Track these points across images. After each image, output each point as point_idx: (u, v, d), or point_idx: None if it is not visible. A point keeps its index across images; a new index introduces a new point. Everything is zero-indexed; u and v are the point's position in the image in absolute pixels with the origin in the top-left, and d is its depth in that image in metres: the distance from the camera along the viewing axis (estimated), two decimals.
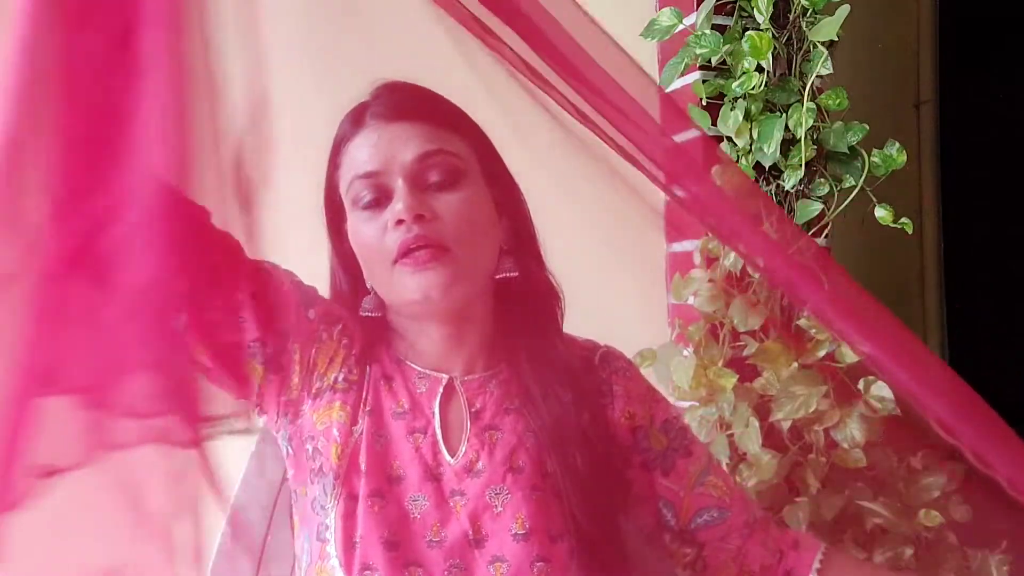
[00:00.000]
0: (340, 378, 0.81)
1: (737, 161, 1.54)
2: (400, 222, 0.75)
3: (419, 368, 0.84)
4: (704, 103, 1.58)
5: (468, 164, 0.81)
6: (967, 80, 3.22)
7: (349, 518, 0.77)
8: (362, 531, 0.75)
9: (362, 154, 0.78)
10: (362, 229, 0.79)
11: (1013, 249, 3.60)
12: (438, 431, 0.81)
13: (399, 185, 0.76)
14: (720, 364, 1.48)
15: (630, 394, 0.89)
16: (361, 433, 0.80)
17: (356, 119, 0.81)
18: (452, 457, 0.80)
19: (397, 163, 0.77)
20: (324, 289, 0.88)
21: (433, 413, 0.81)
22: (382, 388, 0.83)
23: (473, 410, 0.82)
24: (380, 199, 0.78)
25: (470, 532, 0.77)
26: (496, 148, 0.89)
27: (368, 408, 0.81)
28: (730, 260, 1.49)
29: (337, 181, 0.83)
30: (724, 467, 1.50)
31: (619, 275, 1.76)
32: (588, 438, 0.82)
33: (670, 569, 0.84)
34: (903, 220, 1.47)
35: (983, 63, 3.44)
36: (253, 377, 0.79)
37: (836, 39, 1.42)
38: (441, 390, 0.82)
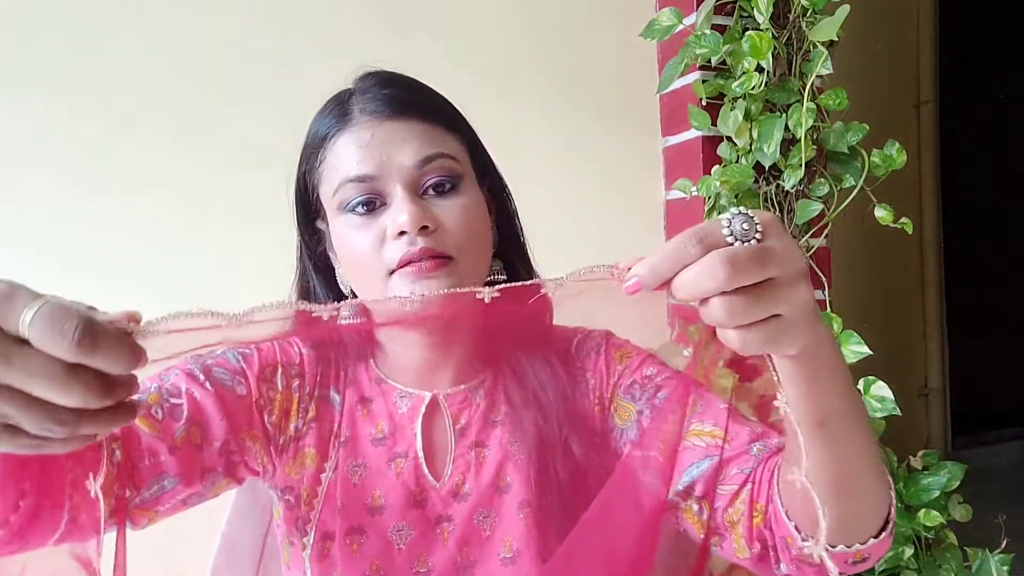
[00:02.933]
0: (300, 424, 0.76)
1: (737, 161, 1.55)
2: (402, 233, 0.70)
3: (400, 386, 0.79)
4: (704, 103, 1.58)
5: (464, 166, 0.76)
6: (967, 80, 3.23)
7: (323, 559, 0.73)
8: (340, 571, 0.72)
9: (353, 154, 0.71)
10: (354, 236, 0.72)
11: (1013, 249, 3.61)
12: (420, 454, 0.76)
13: (398, 193, 0.70)
14: (720, 364, 1.47)
15: (597, 373, 0.82)
16: (335, 468, 0.75)
17: (342, 112, 0.74)
18: (437, 481, 0.76)
19: (394, 167, 0.71)
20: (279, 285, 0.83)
21: (415, 435, 0.77)
22: (358, 414, 0.78)
23: (458, 427, 0.78)
24: (375, 204, 0.72)
25: (458, 559, 0.74)
26: (484, 144, 0.83)
27: (343, 439, 0.76)
28: None
29: (316, 179, 0.76)
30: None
31: None
32: (567, 445, 0.77)
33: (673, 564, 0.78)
34: (903, 220, 1.47)
35: (983, 63, 3.44)
36: (235, 483, 0.76)
37: (836, 39, 1.42)
38: (424, 409, 0.77)
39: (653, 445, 0.72)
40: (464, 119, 0.80)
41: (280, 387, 0.76)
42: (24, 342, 0.38)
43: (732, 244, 0.45)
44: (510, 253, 0.82)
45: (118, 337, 0.40)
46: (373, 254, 0.71)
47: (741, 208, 0.47)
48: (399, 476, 0.75)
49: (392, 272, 0.70)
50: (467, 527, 0.74)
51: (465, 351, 0.80)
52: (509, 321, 0.81)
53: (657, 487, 0.71)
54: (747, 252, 0.45)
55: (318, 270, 0.81)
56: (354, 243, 0.72)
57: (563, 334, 0.86)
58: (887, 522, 0.63)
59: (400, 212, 0.69)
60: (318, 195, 0.76)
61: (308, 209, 0.79)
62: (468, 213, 0.73)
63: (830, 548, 0.59)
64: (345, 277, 0.78)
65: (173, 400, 0.70)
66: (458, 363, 0.80)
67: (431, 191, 0.72)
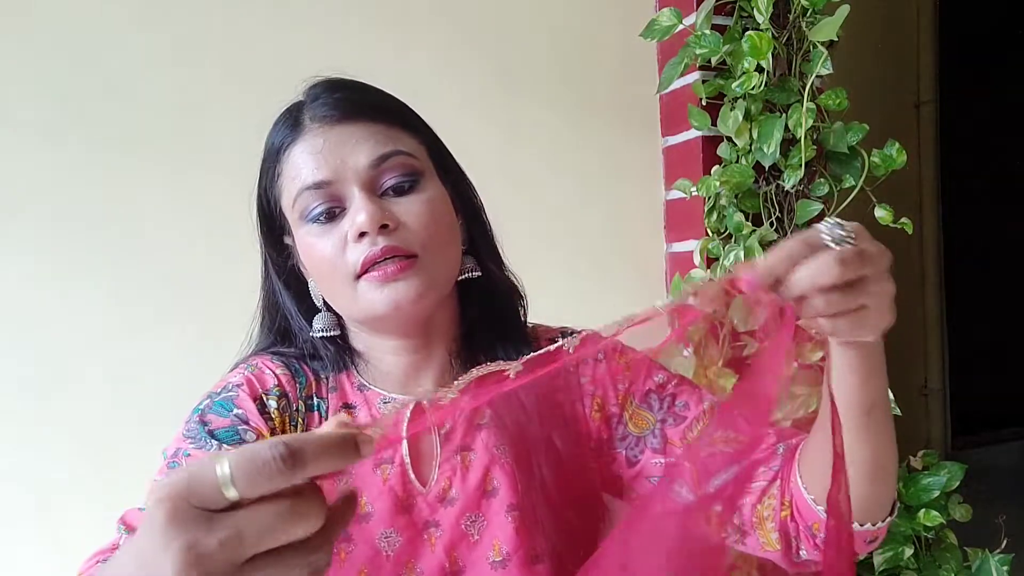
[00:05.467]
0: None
1: (737, 161, 1.55)
2: (363, 235, 0.69)
3: (384, 392, 0.78)
4: (704, 103, 1.58)
5: (423, 163, 0.74)
6: (967, 80, 3.22)
7: None
8: None
9: (308, 162, 0.71)
10: (316, 244, 0.71)
11: (1013, 249, 3.62)
12: (407, 460, 0.75)
13: (355, 194, 0.70)
14: (720, 364, 1.48)
15: (597, 380, 0.81)
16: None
17: (294, 123, 0.73)
18: (423, 487, 0.74)
19: (350, 170, 0.70)
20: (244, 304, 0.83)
21: (400, 441, 0.76)
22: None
23: (443, 432, 0.77)
24: (334, 210, 0.71)
25: (447, 565, 0.72)
26: (445, 143, 0.81)
27: None
28: (730, 260, 1.49)
29: (277, 193, 0.75)
30: None
31: (619, 275, 1.76)
32: (553, 445, 0.77)
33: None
34: (903, 220, 1.47)
35: (983, 63, 3.44)
36: None
37: (836, 39, 1.42)
38: (408, 414, 0.74)
39: (676, 452, 0.77)
40: (420, 117, 0.79)
41: (273, 413, 0.74)
42: (233, 507, 0.37)
43: (832, 247, 0.53)
44: (481, 250, 0.81)
45: (319, 437, 0.38)
46: (337, 260, 0.70)
47: (833, 219, 0.55)
48: (386, 482, 0.74)
49: (359, 277, 0.70)
50: (455, 532, 0.73)
51: (445, 353, 0.80)
52: (486, 320, 0.80)
53: (684, 495, 0.71)
54: (852, 253, 0.52)
55: (288, 286, 0.80)
56: (318, 251, 0.71)
57: (546, 334, 0.86)
58: (895, 504, 0.70)
59: (358, 213, 0.69)
60: (280, 209, 0.76)
61: (273, 225, 0.78)
62: (430, 209, 0.72)
63: (858, 527, 0.67)
64: (317, 290, 0.78)
65: None
66: (439, 367, 0.80)
67: (390, 191, 0.72)
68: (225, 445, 0.69)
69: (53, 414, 1.33)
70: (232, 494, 0.36)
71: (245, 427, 0.71)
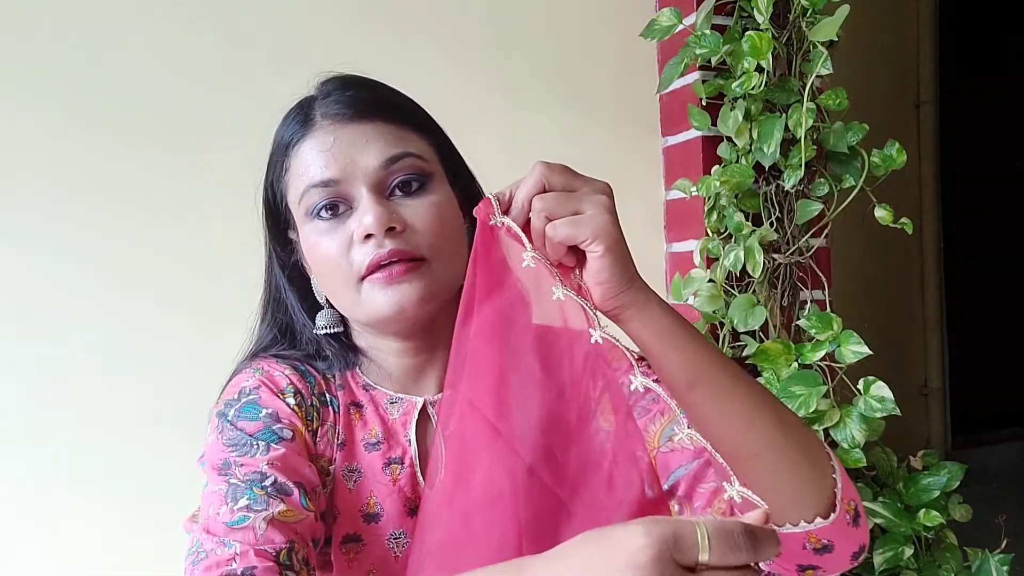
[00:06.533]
0: (313, 437, 0.74)
1: (737, 161, 1.55)
2: (369, 236, 0.68)
3: (390, 392, 0.78)
4: (704, 103, 1.58)
5: (432, 165, 0.74)
6: (967, 80, 3.22)
7: (323, 566, 0.72)
8: None
9: (316, 159, 0.70)
10: (321, 242, 0.71)
11: (1012, 249, 3.62)
12: (416, 461, 0.74)
13: (363, 194, 0.69)
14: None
15: (584, 377, 0.81)
16: (334, 471, 0.74)
17: (304, 118, 0.73)
18: (430, 489, 0.72)
19: (359, 169, 0.69)
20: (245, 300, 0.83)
21: (409, 441, 0.75)
22: (352, 416, 0.76)
23: (447, 432, 0.74)
24: (341, 209, 0.70)
25: None
26: (455, 143, 0.80)
27: (340, 441, 0.75)
28: (730, 260, 1.49)
29: (283, 187, 0.75)
30: None
31: None
32: (551, 448, 0.74)
33: None
34: (903, 220, 1.47)
35: (983, 63, 3.44)
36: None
37: (836, 39, 1.42)
38: (416, 414, 0.76)
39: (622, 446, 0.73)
40: (431, 118, 0.78)
41: (295, 408, 0.74)
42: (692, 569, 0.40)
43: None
44: None
45: (764, 530, 0.42)
46: (341, 259, 0.70)
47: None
48: (395, 483, 0.74)
49: (363, 278, 0.69)
50: None
51: (448, 358, 0.80)
52: (492, 324, 0.80)
53: (647, 491, 0.70)
54: (560, 167, 0.63)
55: (292, 281, 0.79)
56: (322, 249, 0.71)
57: (546, 333, 0.86)
58: (836, 504, 0.64)
59: (365, 214, 0.68)
60: (286, 204, 0.75)
61: (278, 219, 0.78)
62: (438, 212, 0.72)
63: (776, 526, 0.62)
64: (319, 286, 0.77)
65: (268, 483, 0.66)
66: (442, 370, 0.78)
67: (398, 191, 0.71)
68: (272, 445, 0.68)
69: (53, 415, 1.33)
70: (705, 558, 0.40)
71: (280, 425, 0.70)
